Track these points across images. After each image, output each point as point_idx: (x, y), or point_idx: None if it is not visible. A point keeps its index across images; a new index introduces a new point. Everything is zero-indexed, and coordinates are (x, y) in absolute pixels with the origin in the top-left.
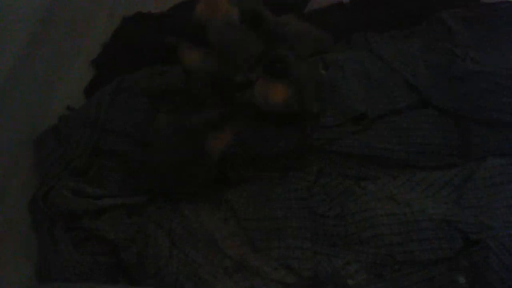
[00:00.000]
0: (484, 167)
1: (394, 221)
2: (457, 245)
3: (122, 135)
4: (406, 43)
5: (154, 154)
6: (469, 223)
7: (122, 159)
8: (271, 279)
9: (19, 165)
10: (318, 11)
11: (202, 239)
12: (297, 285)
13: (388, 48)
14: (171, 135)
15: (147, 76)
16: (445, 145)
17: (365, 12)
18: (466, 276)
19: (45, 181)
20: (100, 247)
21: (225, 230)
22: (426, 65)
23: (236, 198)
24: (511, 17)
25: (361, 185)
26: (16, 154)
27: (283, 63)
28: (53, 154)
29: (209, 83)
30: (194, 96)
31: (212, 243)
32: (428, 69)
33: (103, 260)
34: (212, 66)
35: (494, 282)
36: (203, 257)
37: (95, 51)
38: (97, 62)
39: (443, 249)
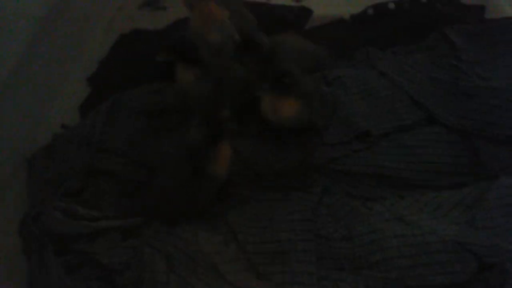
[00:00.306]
0: (496, 186)
1: (404, 243)
2: (471, 269)
3: (117, 154)
4: (409, 59)
5: (155, 176)
6: (483, 246)
7: (118, 180)
8: None
9: (10, 185)
10: (318, 28)
11: (201, 263)
12: None
13: (391, 64)
14: (172, 157)
15: (144, 94)
16: (454, 164)
17: (366, 28)
18: None
19: (36, 201)
20: (94, 272)
21: (225, 254)
22: (431, 81)
23: (236, 220)
24: None
25: (368, 205)
26: (7, 172)
27: (291, 78)
28: (46, 174)
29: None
30: (189, 115)
31: (212, 268)
32: (433, 86)
33: (96, 286)
34: (204, 88)
35: None
36: (202, 283)
37: (91, 67)
38: (93, 79)
39: (457, 273)
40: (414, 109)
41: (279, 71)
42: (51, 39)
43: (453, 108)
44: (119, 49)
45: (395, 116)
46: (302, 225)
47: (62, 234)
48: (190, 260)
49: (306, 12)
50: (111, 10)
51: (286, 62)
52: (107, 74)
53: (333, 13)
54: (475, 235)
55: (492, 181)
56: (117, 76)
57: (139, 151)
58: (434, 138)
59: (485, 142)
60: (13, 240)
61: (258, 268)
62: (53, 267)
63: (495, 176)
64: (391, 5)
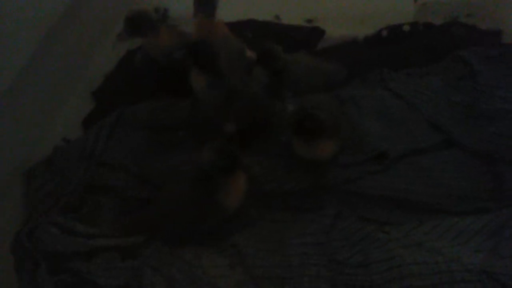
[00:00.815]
0: None
1: (426, 270)
2: None
3: (119, 169)
4: (425, 81)
5: (159, 194)
6: (510, 275)
7: (118, 196)
8: None
9: (5, 199)
10: (331, 48)
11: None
12: None
13: (406, 86)
14: (179, 176)
15: (149, 109)
16: (475, 189)
17: (379, 50)
18: None
19: (32, 216)
20: None
21: (231, 278)
22: (448, 104)
23: (244, 242)
24: None
25: (385, 230)
26: (3, 186)
27: (317, 122)
28: (44, 188)
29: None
30: (199, 130)
31: None
32: (450, 108)
33: None
34: (215, 97)
35: None
36: None
37: (96, 82)
38: (98, 94)
39: None
40: (431, 131)
41: (301, 116)
42: (57, 51)
43: (473, 131)
44: (126, 65)
45: (411, 138)
46: (314, 249)
47: (57, 252)
48: (193, 284)
49: (318, 32)
50: (120, 25)
51: (297, 81)
52: (112, 89)
53: (346, 33)
54: (501, 264)
55: None
56: (122, 91)
57: (142, 167)
58: (453, 161)
59: (510, 166)
60: (4, 256)
61: None
62: (46, 286)
63: None
64: (406, 28)
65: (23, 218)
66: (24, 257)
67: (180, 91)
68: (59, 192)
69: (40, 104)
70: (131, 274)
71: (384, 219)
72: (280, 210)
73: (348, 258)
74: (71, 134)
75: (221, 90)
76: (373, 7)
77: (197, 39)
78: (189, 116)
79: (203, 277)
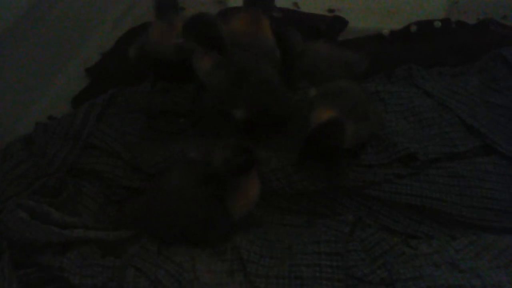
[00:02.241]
0: None
1: None
2: None
3: (108, 154)
4: (460, 80)
5: (153, 186)
6: None
7: (105, 183)
8: None
9: None
10: (353, 41)
11: None
12: None
13: (438, 85)
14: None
15: (147, 92)
16: None
17: (407, 46)
18: None
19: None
20: None
21: (228, 287)
22: (486, 105)
23: (246, 245)
24: None
25: (411, 244)
26: None
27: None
28: (18, 168)
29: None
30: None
31: None
32: (489, 110)
33: None
34: (222, 77)
35: None
36: None
37: (93, 60)
38: (93, 71)
39: None
40: (467, 134)
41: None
42: (51, 18)
43: None
44: (126, 43)
45: (445, 141)
46: (330, 260)
47: (24, 241)
48: None
49: (341, 22)
50: (125, 3)
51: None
52: (108, 68)
53: (371, 26)
54: None
55: None
56: (120, 71)
57: (135, 154)
58: (492, 170)
59: None
60: None
61: None
62: (7, 281)
63: None
64: (438, 24)
65: None
66: None
67: (182, 79)
68: (36, 173)
69: (24, 75)
70: (111, 274)
71: (411, 231)
72: (291, 213)
73: (368, 274)
74: (59, 112)
75: (228, 69)
76: (401, 1)
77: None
78: (192, 102)
79: (195, 284)
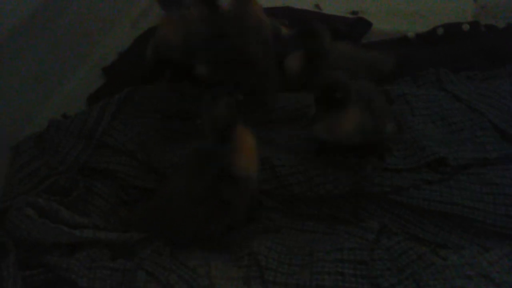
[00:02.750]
0: None
1: None
2: None
3: (122, 153)
4: (490, 85)
5: (165, 185)
6: None
7: (118, 183)
8: None
9: None
10: (377, 44)
11: None
12: None
13: (467, 88)
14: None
15: (161, 92)
16: None
17: (433, 49)
18: None
19: (7, 195)
20: None
21: None
22: None
23: (264, 251)
24: None
25: (441, 254)
26: None
27: (342, 90)
28: (29, 165)
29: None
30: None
31: None
32: None
33: None
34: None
35: None
36: None
37: (109, 59)
38: (109, 70)
39: None
40: (499, 140)
41: (324, 84)
42: (70, 15)
43: None
44: (143, 43)
45: (476, 146)
46: (354, 269)
47: (32, 240)
48: None
49: (364, 24)
50: (143, 3)
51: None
52: (125, 67)
53: (395, 29)
54: None
55: None
56: (136, 71)
57: (150, 154)
58: None
59: None
60: None
61: None
62: (11, 282)
63: None
64: (466, 27)
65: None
66: None
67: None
68: (47, 171)
69: (39, 72)
70: (121, 278)
71: (441, 240)
72: (312, 218)
73: (395, 285)
74: (73, 110)
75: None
76: (427, 4)
77: None
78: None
79: None
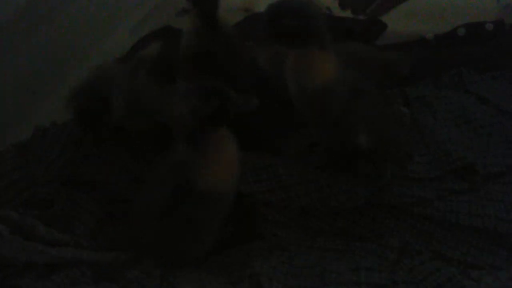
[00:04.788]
0: None
1: None
2: None
3: (112, 164)
4: None
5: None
6: None
7: (106, 195)
8: None
9: None
10: (393, 46)
11: None
12: None
13: (493, 90)
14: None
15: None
16: None
17: (454, 50)
18: None
19: None
20: None
21: None
22: None
23: (268, 272)
24: None
25: (473, 275)
26: None
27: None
28: (8, 176)
29: None
30: None
31: None
32: None
33: None
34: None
35: None
36: None
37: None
38: None
39: None
40: None
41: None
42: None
43: None
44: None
45: (508, 152)
46: None
47: (1, 260)
48: None
49: (379, 25)
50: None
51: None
52: None
53: (413, 30)
54: None
55: None
56: None
57: (143, 165)
58: None
59: None
60: None
61: None
62: None
63: None
64: (489, 26)
65: None
66: None
67: None
68: (27, 181)
69: (31, 77)
70: None
71: (472, 259)
72: (323, 234)
73: None
74: (65, 118)
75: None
76: (445, 4)
77: None
78: None
79: None
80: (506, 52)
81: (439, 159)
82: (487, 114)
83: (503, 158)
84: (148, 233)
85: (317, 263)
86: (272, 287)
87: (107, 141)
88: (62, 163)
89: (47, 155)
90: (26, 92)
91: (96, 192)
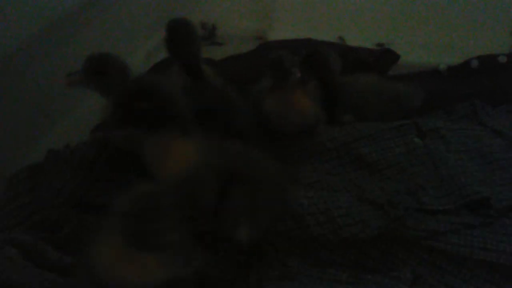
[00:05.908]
0: None
1: None
2: None
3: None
4: None
5: None
6: None
7: (118, 219)
8: None
9: None
10: (406, 76)
11: None
12: None
13: (508, 122)
14: None
15: None
16: None
17: (467, 82)
18: None
19: None
20: None
21: None
22: None
23: None
24: None
25: None
26: None
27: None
28: (21, 198)
29: None
30: None
31: None
32: None
33: None
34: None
35: None
36: None
37: None
38: None
39: None
40: None
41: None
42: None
43: None
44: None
45: None
46: None
47: (12, 286)
48: None
49: (391, 55)
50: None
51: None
52: None
53: (425, 61)
54: None
55: None
56: None
57: None
58: None
59: None
60: None
61: None
62: None
63: None
64: (503, 58)
65: None
66: None
67: None
68: (38, 204)
69: (44, 101)
70: None
71: None
72: (334, 266)
73: None
74: (77, 142)
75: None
76: (458, 36)
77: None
78: None
79: None
80: None
81: (453, 192)
82: (501, 148)
83: None
84: None
85: None
86: None
87: (119, 160)
88: (74, 186)
89: (58, 178)
90: (39, 115)
91: (107, 215)
